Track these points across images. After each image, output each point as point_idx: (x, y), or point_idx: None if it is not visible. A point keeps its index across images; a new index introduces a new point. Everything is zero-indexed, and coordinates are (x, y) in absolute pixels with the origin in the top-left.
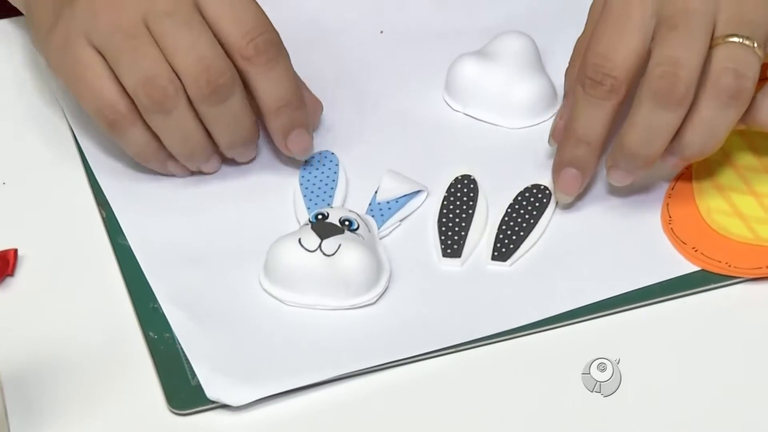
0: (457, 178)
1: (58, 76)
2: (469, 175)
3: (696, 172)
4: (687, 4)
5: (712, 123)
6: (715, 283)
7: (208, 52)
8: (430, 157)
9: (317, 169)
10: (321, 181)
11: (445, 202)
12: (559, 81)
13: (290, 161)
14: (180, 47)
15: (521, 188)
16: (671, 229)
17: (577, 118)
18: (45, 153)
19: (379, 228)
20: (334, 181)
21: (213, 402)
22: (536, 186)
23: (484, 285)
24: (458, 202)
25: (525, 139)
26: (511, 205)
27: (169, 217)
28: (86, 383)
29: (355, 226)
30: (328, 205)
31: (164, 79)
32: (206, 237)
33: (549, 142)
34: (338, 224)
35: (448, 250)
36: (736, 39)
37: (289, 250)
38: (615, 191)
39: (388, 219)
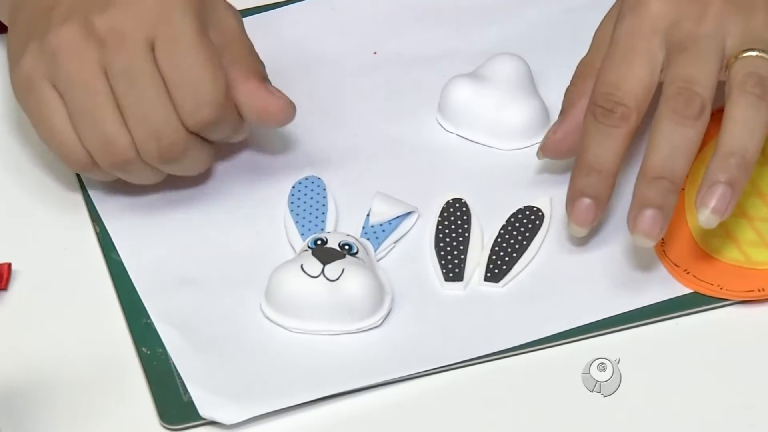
0: (448, 202)
1: (22, 108)
2: (460, 199)
3: (688, 195)
4: (695, 30)
5: (747, 121)
6: (707, 305)
7: (160, 124)
8: (423, 179)
9: (305, 194)
10: (311, 206)
11: (439, 227)
12: (552, 103)
13: (279, 186)
14: (134, 114)
15: (514, 209)
16: (663, 251)
17: (587, 147)
18: (39, 167)
19: (375, 251)
20: (324, 206)
21: (205, 418)
22: (529, 207)
23: (476, 306)
24: (453, 226)
25: (518, 161)
26: (503, 226)
27: (161, 238)
28: (79, 398)
29: (355, 250)
30: (321, 230)
31: (122, 145)
32: (198, 259)
33: (537, 154)
34: (338, 249)
35: (450, 275)
36: (751, 53)
37: (291, 277)
38: (609, 212)
39: (383, 241)
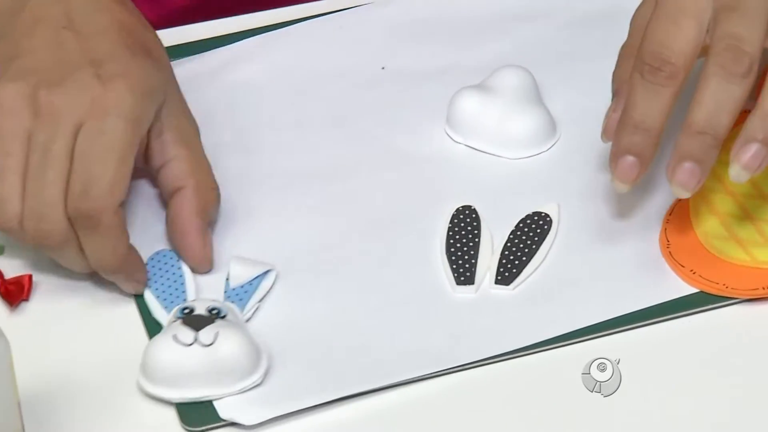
0: (458, 209)
1: None
2: (470, 206)
3: (693, 199)
4: None
5: None
6: (713, 304)
7: (46, 207)
8: (433, 187)
9: (159, 268)
10: (168, 279)
11: (450, 233)
12: (557, 112)
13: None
14: (31, 188)
15: (523, 215)
16: (669, 252)
17: (634, 105)
18: None
19: (242, 311)
20: (180, 276)
21: (225, 420)
22: (537, 213)
23: (487, 308)
24: (463, 232)
25: (524, 169)
26: (513, 231)
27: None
28: (101, 403)
29: (224, 313)
30: (183, 300)
31: (9, 212)
32: None
33: (602, 137)
34: (207, 314)
35: (462, 278)
36: None
37: (165, 349)
38: (615, 217)
39: (246, 302)
